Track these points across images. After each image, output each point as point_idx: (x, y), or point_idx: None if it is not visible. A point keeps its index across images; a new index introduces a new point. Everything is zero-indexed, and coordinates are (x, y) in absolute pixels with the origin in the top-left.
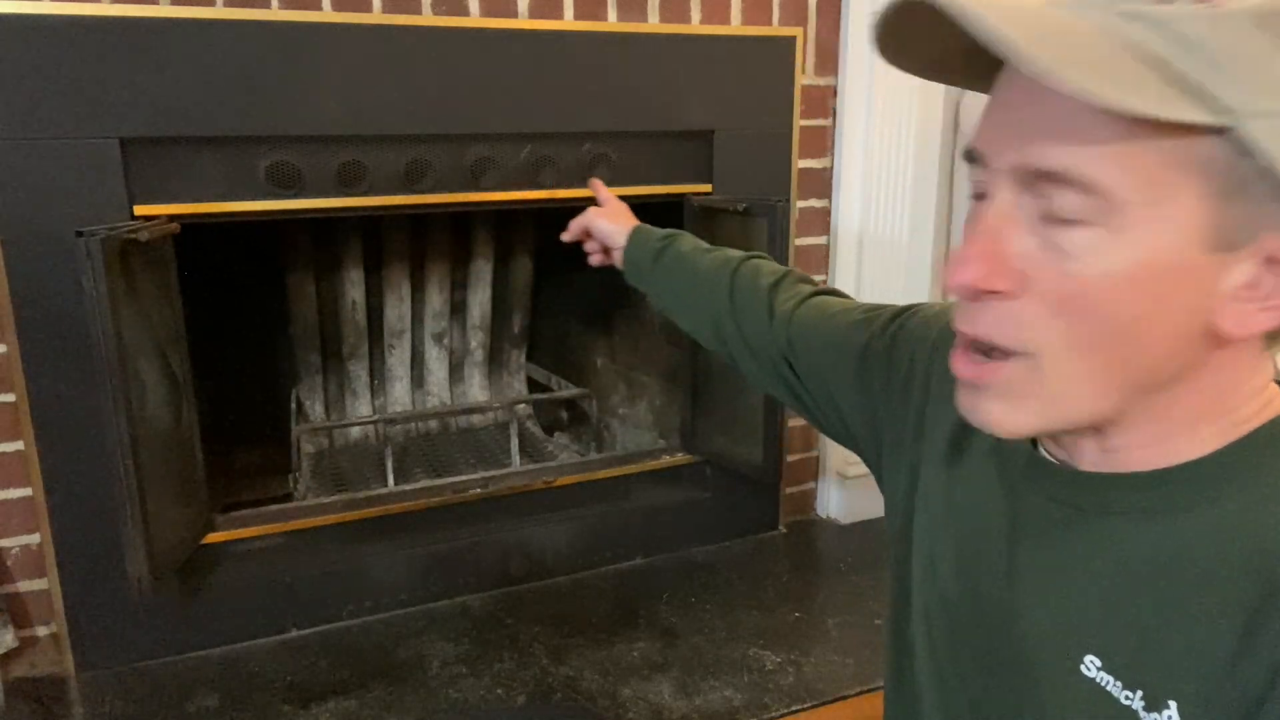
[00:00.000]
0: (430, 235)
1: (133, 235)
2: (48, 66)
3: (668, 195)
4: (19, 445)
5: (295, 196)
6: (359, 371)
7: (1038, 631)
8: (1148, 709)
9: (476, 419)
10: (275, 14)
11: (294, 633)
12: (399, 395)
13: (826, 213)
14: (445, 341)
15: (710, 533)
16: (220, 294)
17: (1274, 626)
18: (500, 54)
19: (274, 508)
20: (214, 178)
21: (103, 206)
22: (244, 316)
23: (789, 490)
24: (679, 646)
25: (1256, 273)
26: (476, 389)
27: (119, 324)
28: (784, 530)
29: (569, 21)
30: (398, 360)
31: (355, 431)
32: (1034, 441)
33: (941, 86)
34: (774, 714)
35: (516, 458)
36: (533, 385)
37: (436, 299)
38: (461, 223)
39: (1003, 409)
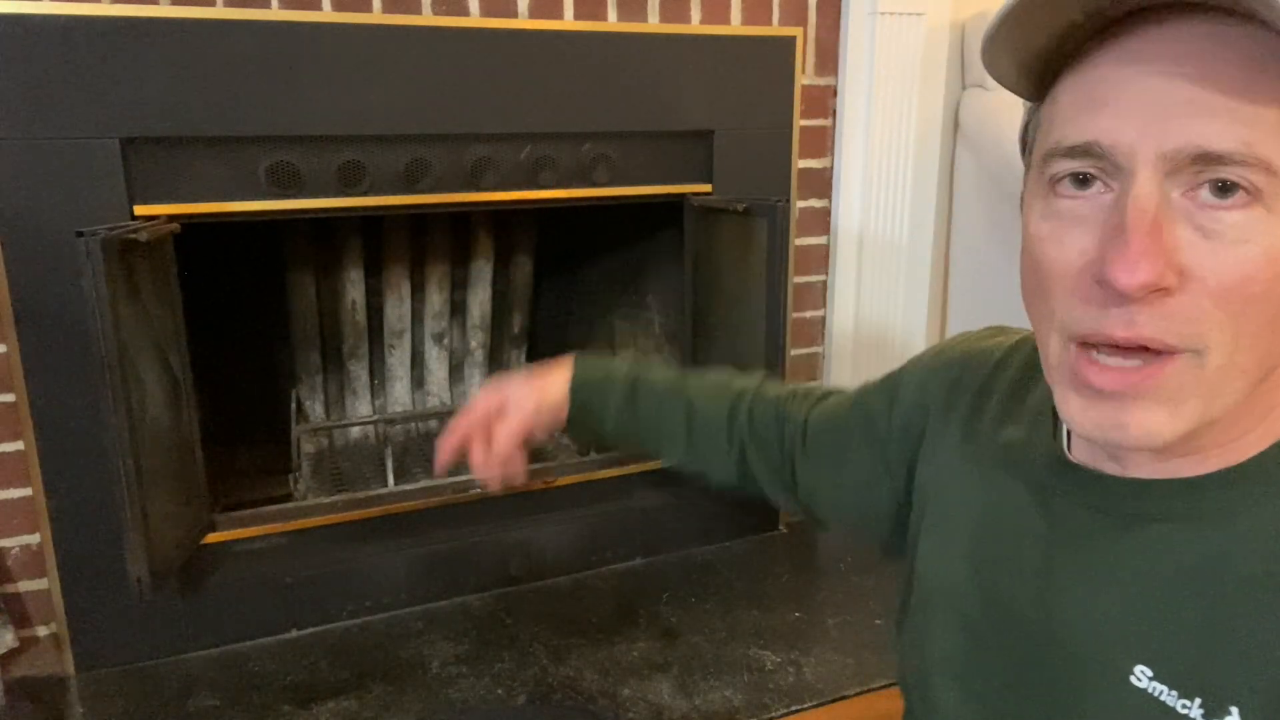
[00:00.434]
0: (430, 235)
1: (133, 235)
2: (48, 66)
3: (667, 195)
4: (19, 445)
5: (295, 196)
6: (359, 371)
7: (1081, 643)
8: (1207, 716)
9: None
10: (275, 14)
11: (294, 633)
12: (399, 395)
13: (826, 213)
14: (445, 341)
15: (710, 533)
16: (220, 294)
17: None
18: (500, 54)
19: (274, 508)
20: (214, 178)
21: (103, 206)
22: (244, 316)
23: None
24: (679, 646)
25: None
26: (477, 389)
27: (119, 324)
28: (784, 530)
29: (569, 21)
30: (398, 360)
31: (355, 431)
32: (1066, 445)
33: (941, 86)
34: (774, 714)
35: None
36: None
37: (436, 299)
38: (461, 223)
39: (1166, 414)
